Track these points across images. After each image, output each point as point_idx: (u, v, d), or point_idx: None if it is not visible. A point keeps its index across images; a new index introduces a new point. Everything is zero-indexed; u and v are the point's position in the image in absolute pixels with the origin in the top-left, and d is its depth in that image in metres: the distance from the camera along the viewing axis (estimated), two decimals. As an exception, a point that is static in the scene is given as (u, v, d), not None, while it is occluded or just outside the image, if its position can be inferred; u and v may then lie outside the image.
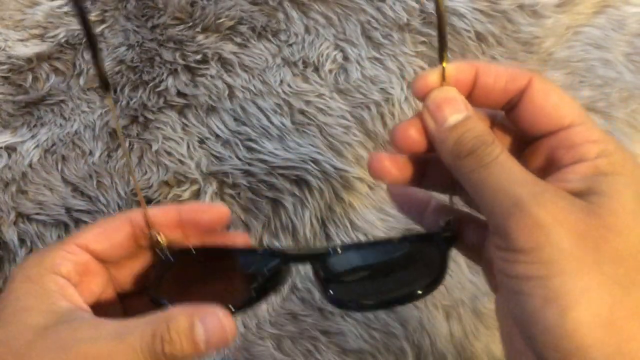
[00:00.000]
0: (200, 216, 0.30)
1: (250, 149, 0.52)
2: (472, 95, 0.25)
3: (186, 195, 0.50)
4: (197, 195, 0.50)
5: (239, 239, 0.32)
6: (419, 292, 0.29)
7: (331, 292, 0.29)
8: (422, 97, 0.25)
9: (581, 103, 0.54)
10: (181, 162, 0.51)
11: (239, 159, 0.51)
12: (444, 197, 0.30)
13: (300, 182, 0.51)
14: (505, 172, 0.22)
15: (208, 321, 0.25)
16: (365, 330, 0.48)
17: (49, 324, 0.25)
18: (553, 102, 0.24)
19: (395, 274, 0.31)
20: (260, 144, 0.52)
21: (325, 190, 0.51)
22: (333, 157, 0.52)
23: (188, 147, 0.51)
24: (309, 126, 0.53)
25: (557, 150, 0.24)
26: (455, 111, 0.24)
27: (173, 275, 0.30)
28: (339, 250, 0.30)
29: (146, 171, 0.51)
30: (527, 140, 0.26)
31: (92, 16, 0.56)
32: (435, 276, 0.29)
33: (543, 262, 0.21)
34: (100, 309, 0.29)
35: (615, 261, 0.21)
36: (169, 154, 0.51)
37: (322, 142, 0.52)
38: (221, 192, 0.50)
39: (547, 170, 0.24)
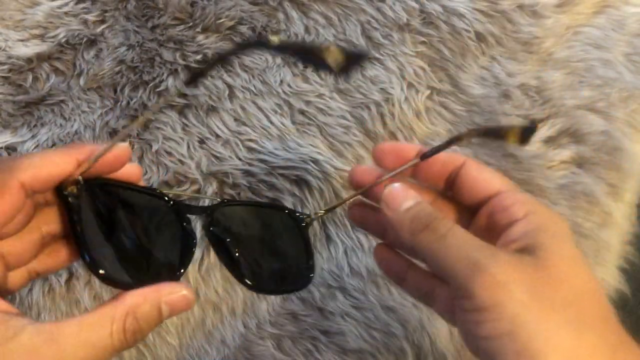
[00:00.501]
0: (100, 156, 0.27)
1: (250, 149, 0.52)
2: (416, 172, 0.31)
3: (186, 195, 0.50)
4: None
5: (131, 170, 0.30)
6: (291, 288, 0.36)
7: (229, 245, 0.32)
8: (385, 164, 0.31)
9: (581, 103, 0.54)
10: (181, 162, 0.51)
11: (239, 159, 0.51)
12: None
13: (300, 182, 0.51)
14: (460, 239, 0.26)
15: (172, 301, 0.26)
16: (365, 330, 0.48)
17: None
18: (484, 176, 0.29)
19: (277, 252, 0.35)
20: (260, 144, 0.52)
21: (325, 190, 0.51)
22: (333, 157, 0.52)
23: (188, 147, 0.51)
24: (309, 126, 0.53)
25: (493, 215, 0.28)
26: (407, 198, 0.28)
27: (92, 220, 0.28)
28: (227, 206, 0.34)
29: (146, 171, 0.51)
30: (470, 212, 0.31)
31: (92, 16, 0.56)
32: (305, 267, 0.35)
33: (507, 317, 0.23)
34: None
35: (565, 306, 0.24)
36: (169, 154, 0.51)
37: (322, 142, 0.52)
38: (221, 192, 0.51)
39: (491, 233, 0.28)
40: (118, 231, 0.28)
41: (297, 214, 0.35)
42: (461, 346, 0.49)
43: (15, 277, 0.28)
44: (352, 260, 0.49)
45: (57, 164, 0.26)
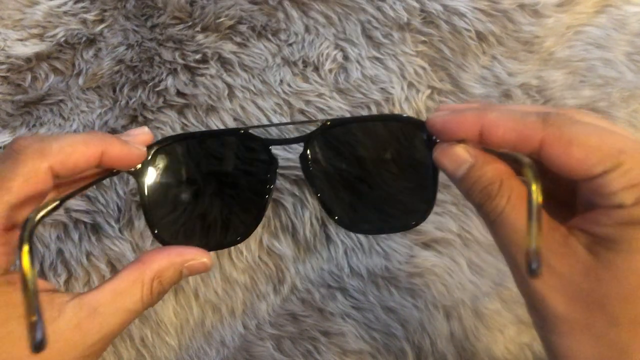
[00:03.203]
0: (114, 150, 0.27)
1: (250, 149, 0.51)
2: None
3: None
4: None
5: (143, 136, 0.30)
6: (412, 222, 0.30)
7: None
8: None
9: (582, 103, 0.54)
10: (181, 162, 0.51)
11: (239, 159, 0.51)
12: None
13: (300, 182, 0.51)
14: (506, 232, 0.23)
15: (193, 267, 0.28)
16: (365, 330, 0.48)
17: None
18: (576, 156, 0.22)
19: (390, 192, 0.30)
20: (260, 143, 0.51)
21: (325, 190, 0.50)
22: (333, 157, 0.51)
23: (187, 147, 0.51)
24: (309, 126, 0.53)
25: (593, 196, 0.23)
26: (459, 164, 0.25)
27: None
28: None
29: (145, 171, 0.51)
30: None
31: (91, 15, 0.56)
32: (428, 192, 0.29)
33: (542, 319, 0.23)
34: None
35: (610, 325, 0.21)
36: (169, 153, 0.51)
37: (322, 142, 0.52)
38: (221, 192, 0.50)
39: (592, 203, 0.23)
40: (183, 202, 0.30)
41: (420, 123, 0.28)
42: (462, 347, 0.48)
43: None
44: (352, 261, 0.49)
45: (84, 154, 0.26)
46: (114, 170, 0.29)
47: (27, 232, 0.21)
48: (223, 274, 0.49)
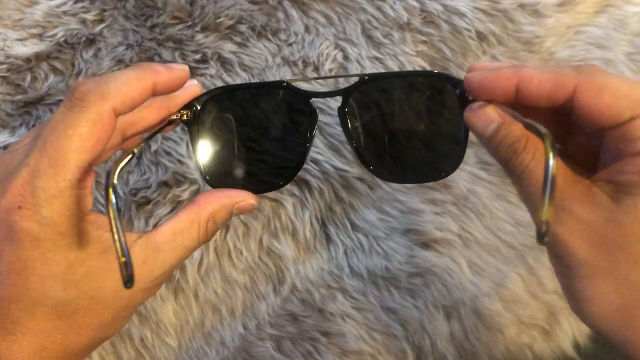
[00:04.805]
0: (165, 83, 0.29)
1: (249, 149, 0.51)
2: (516, 104, 0.27)
3: (185, 195, 0.50)
4: (196, 195, 0.50)
5: (193, 88, 0.32)
6: (443, 173, 0.32)
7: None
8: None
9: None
10: (180, 162, 0.51)
11: (239, 159, 0.51)
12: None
13: (300, 182, 0.51)
14: (530, 186, 0.25)
15: (242, 207, 0.31)
16: (365, 331, 0.48)
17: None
18: (606, 101, 0.24)
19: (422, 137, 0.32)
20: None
21: (325, 190, 0.50)
22: (333, 157, 0.51)
23: (187, 146, 0.51)
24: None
25: (620, 143, 0.24)
26: (488, 123, 0.27)
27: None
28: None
29: (145, 171, 0.51)
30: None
31: (91, 15, 0.56)
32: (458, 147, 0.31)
33: (564, 266, 0.24)
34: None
35: (633, 266, 0.23)
36: (168, 154, 0.51)
37: (322, 142, 0.52)
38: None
39: (616, 156, 0.25)
40: (230, 150, 0.32)
41: (455, 80, 0.31)
42: (462, 347, 0.48)
43: None
44: (352, 261, 0.49)
45: (139, 90, 0.28)
46: (171, 119, 0.31)
47: (110, 182, 0.23)
48: (223, 274, 0.49)
